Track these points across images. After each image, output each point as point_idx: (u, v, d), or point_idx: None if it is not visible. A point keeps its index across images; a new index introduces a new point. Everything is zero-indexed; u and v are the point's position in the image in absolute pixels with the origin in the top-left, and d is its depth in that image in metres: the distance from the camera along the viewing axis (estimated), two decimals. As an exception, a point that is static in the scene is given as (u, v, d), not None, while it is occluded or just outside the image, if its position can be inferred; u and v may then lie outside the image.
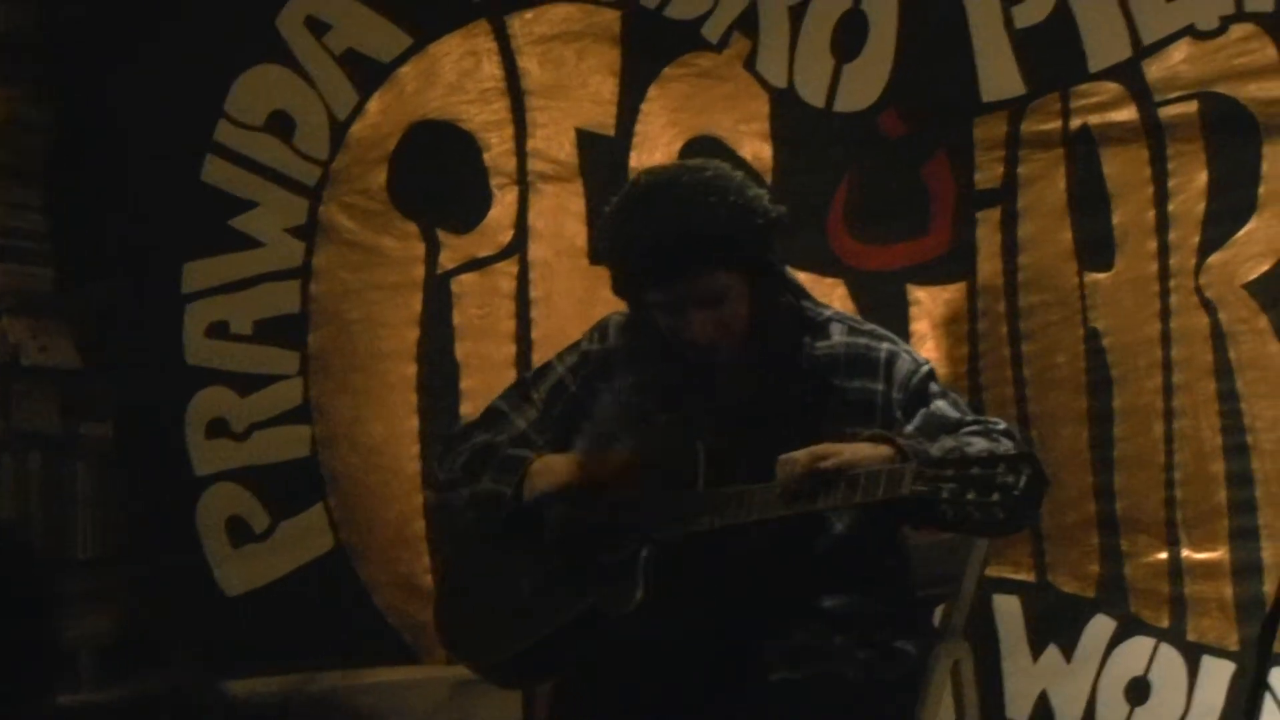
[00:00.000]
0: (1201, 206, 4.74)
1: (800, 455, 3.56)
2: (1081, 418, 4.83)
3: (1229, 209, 4.71)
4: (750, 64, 5.08)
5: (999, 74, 4.88)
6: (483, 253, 5.29)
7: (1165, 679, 4.74)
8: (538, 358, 4.96)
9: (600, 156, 5.17)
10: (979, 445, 3.60)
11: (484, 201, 5.28)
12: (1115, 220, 4.82)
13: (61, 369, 5.40)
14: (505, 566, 3.89)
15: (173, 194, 5.43)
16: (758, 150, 5.05)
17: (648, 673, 3.74)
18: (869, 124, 4.98)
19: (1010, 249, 4.91)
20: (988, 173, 4.91)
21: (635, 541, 3.73)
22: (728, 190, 3.72)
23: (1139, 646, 4.77)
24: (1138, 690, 4.77)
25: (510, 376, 5.05)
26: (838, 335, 3.82)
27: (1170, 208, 4.77)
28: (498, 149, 5.27)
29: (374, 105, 5.35)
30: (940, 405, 3.75)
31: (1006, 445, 3.63)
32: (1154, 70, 4.76)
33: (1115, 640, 4.79)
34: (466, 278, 5.29)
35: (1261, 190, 4.68)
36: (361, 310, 5.36)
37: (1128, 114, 4.78)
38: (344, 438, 5.36)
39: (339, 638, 5.19)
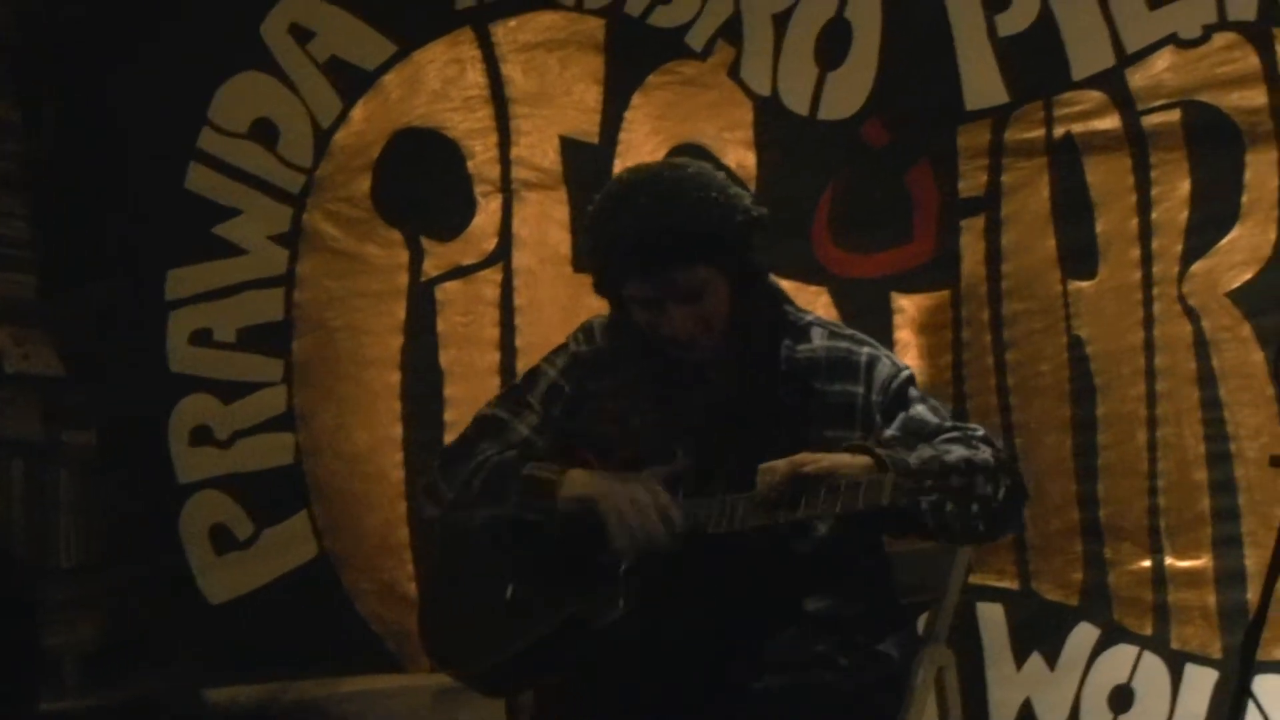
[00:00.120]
0: (1184, 215, 4.75)
1: (780, 464, 3.56)
2: (1065, 426, 4.83)
3: (1212, 217, 4.72)
4: (734, 72, 5.09)
5: (982, 82, 4.89)
6: (467, 260, 5.29)
7: (1148, 687, 4.75)
8: (522, 365, 4.97)
9: (584, 164, 5.18)
10: (957, 452, 3.59)
11: (468, 209, 5.29)
12: (1098, 228, 4.83)
13: (44, 376, 5.39)
14: (489, 575, 3.88)
15: (156, 201, 5.43)
16: (742, 158, 5.06)
17: (631, 681, 3.74)
18: (853, 132, 4.99)
19: (994, 257, 4.92)
20: (971, 181, 4.92)
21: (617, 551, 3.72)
22: (709, 187, 3.72)
23: (1122, 654, 4.78)
24: (1121, 698, 4.78)
25: (494, 384, 5.06)
26: (818, 339, 3.82)
27: (1153, 216, 4.78)
28: (482, 156, 5.27)
29: (358, 113, 5.35)
30: (919, 410, 3.75)
31: (985, 452, 3.62)
32: (1137, 79, 4.77)
33: (1099, 648, 4.79)
34: (450, 285, 5.29)
35: (1244, 199, 4.69)
36: (345, 318, 5.36)
37: (1111, 122, 4.79)
38: (328, 445, 5.36)
39: (322, 645, 5.18)
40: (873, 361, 3.79)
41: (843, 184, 5.00)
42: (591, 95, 5.21)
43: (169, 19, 5.41)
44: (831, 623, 3.73)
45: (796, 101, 5.04)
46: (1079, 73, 4.82)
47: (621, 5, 5.17)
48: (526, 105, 5.25)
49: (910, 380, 3.80)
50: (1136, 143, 4.78)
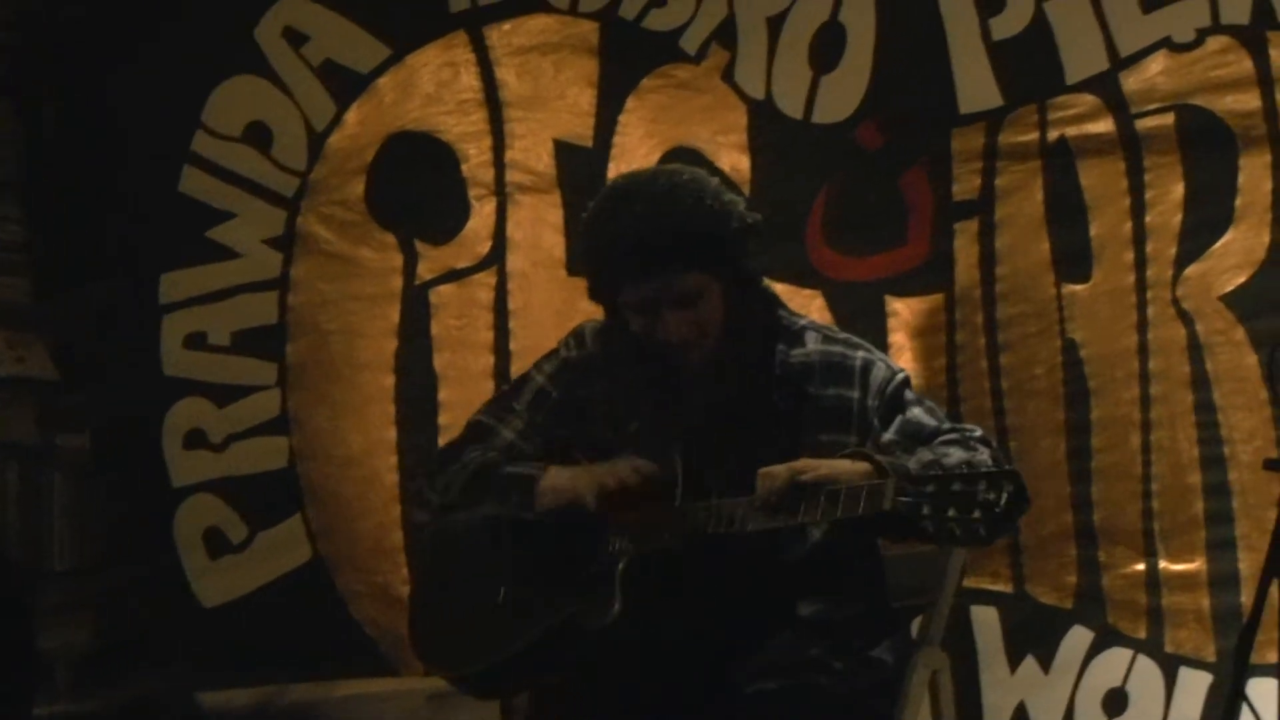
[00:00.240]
0: (1178, 218, 4.75)
1: (780, 469, 3.56)
2: (1059, 429, 4.84)
3: (1206, 221, 4.73)
4: (728, 75, 5.09)
5: (977, 86, 4.89)
6: (461, 264, 5.29)
7: (1143, 690, 4.75)
8: (516, 369, 4.97)
9: (578, 168, 5.18)
10: (956, 455, 3.60)
11: (462, 212, 5.29)
12: (1092, 232, 4.83)
13: (39, 380, 5.39)
14: (480, 577, 3.88)
15: (150, 205, 5.43)
16: (736, 161, 5.06)
17: (626, 684, 3.74)
18: (847, 135, 4.99)
19: (988, 260, 4.92)
20: (965, 184, 4.92)
21: (613, 554, 3.73)
22: (703, 193, 3.73)
23: (1116, 657, 4.78)
24: (1115, 701, 4.78)
25: (488, 387, 5.06)
26: (813, 343, 3.82)
27: (1147, 219, 4.78)
28: (476, 160, 5.27)
29: (352, 116, 5.34)
30: (916, 413, 3.75)
31: (984, 454, 3.63)
32: (1131, 82, 4.78)
33: (1093, 651, 4.79)
34: (445, 289, 5.29)
35: (1238, 202, 4.70)
36: (339, 321, 5.35)
37: (1105, 126, 4.79)
38: (321, 449, 5.35)
39: (316, 649, 5.18)
40: (868, 366, 3.79)
41: (837, 187, 5.01)
42: (585, 99, 5.21)
43: (163, 23, 5.40)
44: (825, 627, 3.74)
45: (791, 105, 5.04)
46: (1073, 76, 4.82)
47: (616, 8, 5.17)
48: (520, 109, 5.25)
49: (906, 383, 3.80)
50: (1130, 146, 4.78)
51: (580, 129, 5.20)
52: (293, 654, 5.12)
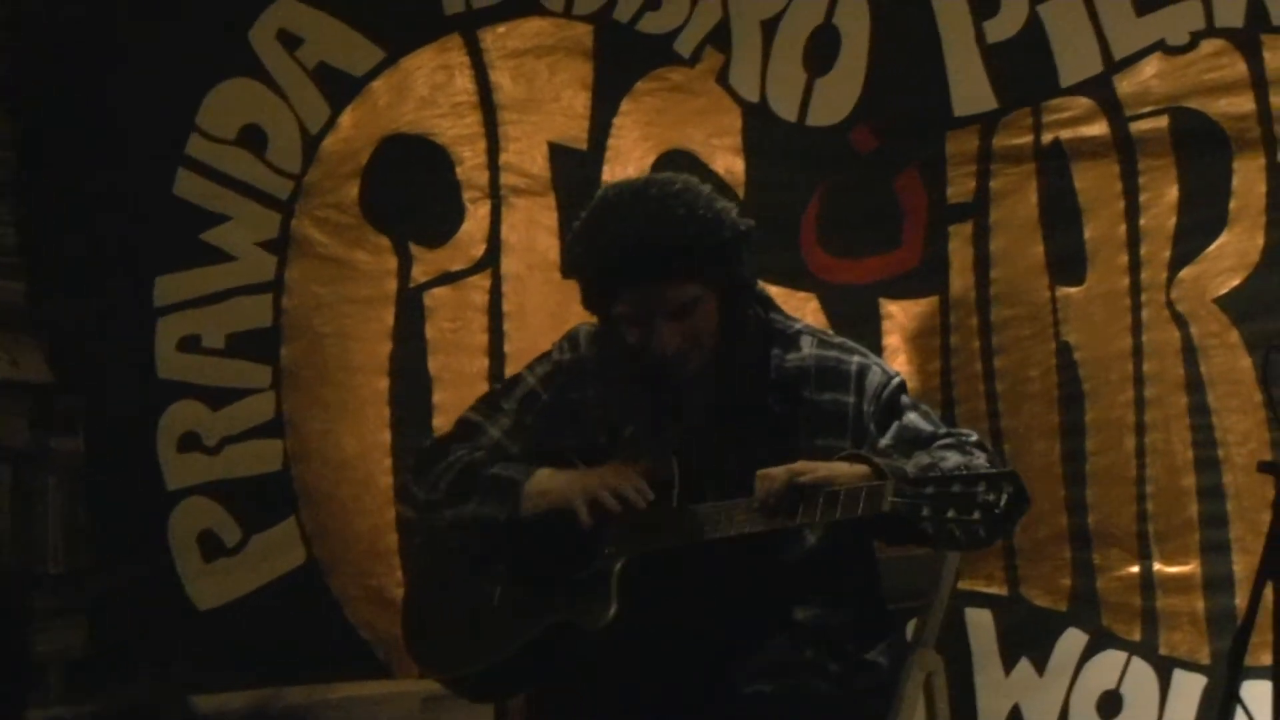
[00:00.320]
0: (1172, 221, 4.75)
1: (778, 471, 3.56)
2: (1053, 432, 4.84)
3: (1200, 224, 4.73)
4: (723, 78, 5.09)
5: (971, 88, 4.89)
6: (455, 266, 5.28)
7: (1137, 692, 4.75)
8: (510, 371, 4.95)
9: (572, 170, 5.17)
10: (953, 460, 3.60)
11: (456, 215, 5.28)
12: (1087, 235, 4.84)
13: (32, 383, 5.37)
14: (476, 580, 3.88)
15: (144, 208, 5.41)
16: (730, 164, 5.06)
17: (621, 687, 3.74)
18: (841, 138, 4.99)
19: (982, 263, 4.92)
20: (959, 187, 4.92)
21: (609, 556, 3.72)
22: (696, 203, 3.72)
23: (1111, 660, 4.79)
24: (1110, 704, 4.78)
25: (483, 390, 5.04)
26: (808, 348, 3.82)
27: (1141, 222, 4.79)
28: (470, 163, 5.27)
29: (346, 119, 5.34)
30: (913, 418, 3.75)
31: (980, 459, 3.63)
32: (1125, 85, 4.78)
33: (1087, 654, 4.80)
34: (439, 291, 5.29)
35: (1232, 205, 4.71)
36: (334, 324, 5.35)
37: (1099, 129, 4.80)
38: (316, 452, 5.34)
39: (310, 652, 5.17)
40: (863, 370, 3.79)
41: (831, 190, 5.01)
42: (580, 101, 5.20)
43: (157, 25, 5.39)
44: (820, 630, 3.74)
45: (785, 108, 5.05)
46: (1067, 79, 4.83)
47: (610, 11, 5.17)
48: (515, 111, 5.25)
49: (901, 387, 3.80)
50: (1124, 149, 4.79)
51: (575, 132, 5.20)
52: (288, 657, 5.11)
